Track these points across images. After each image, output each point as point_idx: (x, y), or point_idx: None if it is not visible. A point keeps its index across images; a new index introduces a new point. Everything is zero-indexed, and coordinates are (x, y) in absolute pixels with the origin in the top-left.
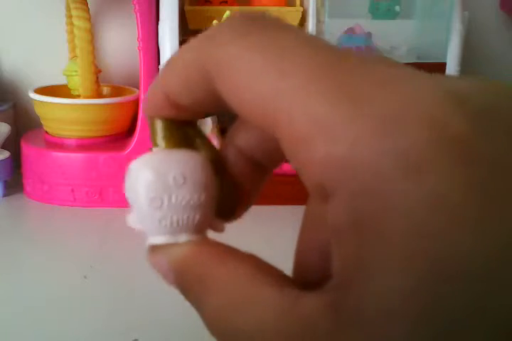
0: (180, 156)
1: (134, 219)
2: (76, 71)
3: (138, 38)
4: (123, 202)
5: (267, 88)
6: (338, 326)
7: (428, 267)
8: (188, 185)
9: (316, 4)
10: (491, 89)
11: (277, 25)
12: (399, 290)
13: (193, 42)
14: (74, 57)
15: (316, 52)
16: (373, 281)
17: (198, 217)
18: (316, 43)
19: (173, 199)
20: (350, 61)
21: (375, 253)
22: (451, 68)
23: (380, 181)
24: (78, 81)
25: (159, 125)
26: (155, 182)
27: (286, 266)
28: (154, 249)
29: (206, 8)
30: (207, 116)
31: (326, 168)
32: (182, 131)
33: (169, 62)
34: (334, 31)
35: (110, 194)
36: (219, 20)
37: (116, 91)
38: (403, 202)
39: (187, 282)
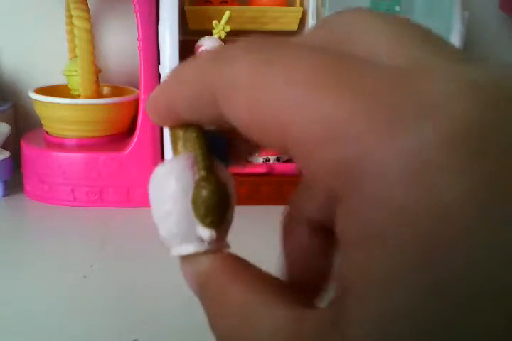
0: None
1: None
2: (76, 71)
3: (138, 38)
4: (123, 202)
5: (273, 101)
6: None
7: (436, 281)
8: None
9: (316, 4)
10: None
11: (281, 42)
12: (406, 306)
13: (201, 60)
14: (74, 57)
15: (318, 59)
16: (380, 296)
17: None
18: (318, 51)
19: None
20: (355, 61)
21: (383, 267)
22: None
23: (389, 188)
24: (78, 81)
25: (180, 133)
26: (180, 192)
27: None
28: (186, 258)
29: (206, 8)
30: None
31: (336, 172)
32: (201, 138)
33: (175, 75)
34: None
35: (110, 194)
36: (219, 21)
37: (116, 91)
38: (412, 213)
39: (205, 295)
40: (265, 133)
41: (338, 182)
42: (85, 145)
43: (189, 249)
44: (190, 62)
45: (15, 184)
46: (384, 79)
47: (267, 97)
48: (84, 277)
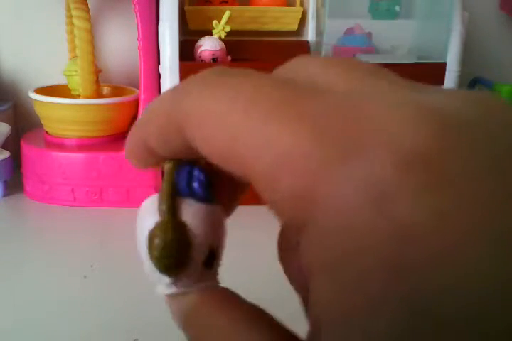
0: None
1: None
2: (76, 71)
3: (138, 38)
4: (123, 202)
5: (231, 132)
6: None
7: (406, 308)
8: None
9: (316, 4)
10: (475, 104)
11: (242, 72)
12: (379, 337)
13: (167, 93)
14: (74, 57)
15: (275, 90)
16: (349, 333)
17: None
18: (277, 82)
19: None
20: (309, 92)
21: (350, 300)
22: (451, 68)
23: (348, 216)
24: (78, 81)
25: (165, 167)
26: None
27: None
28: (172, 295)
29: (206, 8)
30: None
31: (295, 203)
32: (170, 174)
33: (146, 111)
34: (334, 31)
35: (110, 194)
36: (219, 21)
37: (116, 91)
38: (374, 239)
39: (191, 332)
40: (227, 165)
41: (296, 213)
42: (85, 145)
43: (164, 290)
44: (158, 97)
45: (15, 184)
46: (338, 109)
47: (225, 130)
48: (85, 277)
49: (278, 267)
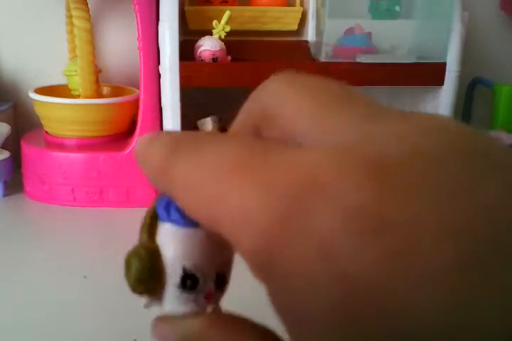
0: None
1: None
2: (76, 71)
3: (138, 38)
4: (123, 202)
5: (204, 198)
6: None
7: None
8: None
9: (316, 4)
10: (432, 134)
11: (207, 138)
12: None
13: (157, 149)
14: (74, 57)
15: (236, 157)
16: None
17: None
18: (241, 147)
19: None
20: (269, 153)
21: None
22: (451, 68)
23: (299, 267)
24: (78, 81)
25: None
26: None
27: None
28: (164, 319)
29: (206, 8)
30: None
31: (253, 263)
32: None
33: (139, 161)
34: (334, 31)
35: (110, 194)
36: (219, 21)
37: (116, 91)
38: (327, 299)
39: None
40: (203, 221)
41: (257, 270)
42: (85, 145)
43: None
44: (147, 147)
45: (15, 184)
46: (288, 169)
47: (197, 196)
48: (84, 277)
49: None
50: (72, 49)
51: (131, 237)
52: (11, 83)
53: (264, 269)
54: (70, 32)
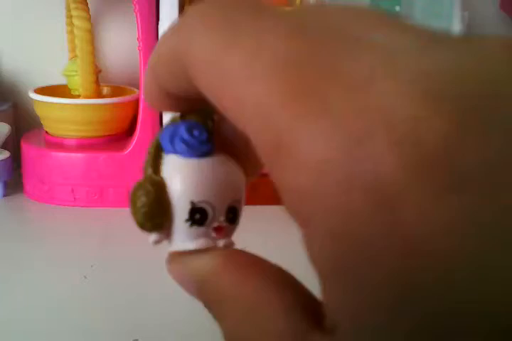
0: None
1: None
2: (76, 71)
3: (138, 38)
4: (123, 202)
5: (238, 96)
6: None
7: (415, 322)
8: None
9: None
10: (486, 68)
11: (249, 11)
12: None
13: (173, 28)
14: (74, 57)
15: (281, 44)
16: (364, 331)
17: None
18: (289, 29)
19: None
20: (322, 55)
21: (361, 304)
22: None
23: (353, 221)
24: (78, 81)
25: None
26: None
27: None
28: (176, 257)
29: None
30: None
31: (299, 198)
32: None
33: (155, 52)
34: None
35: (110, 194)
36: None
37: (116, 91)
38: (378, 249)
39: (208, 297)
40: (236, 121)
41: (303, 207)
42: (85, 145)
43: (185, 246)
44: (167, 32)
45: (15, 184)
46: (348, 90)
47: (226, 91)
48: (85, 277)
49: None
50: (72, 49)
51: (131, 237)
52: (11, 83)
53: (309, 210)
54: (70, 32)
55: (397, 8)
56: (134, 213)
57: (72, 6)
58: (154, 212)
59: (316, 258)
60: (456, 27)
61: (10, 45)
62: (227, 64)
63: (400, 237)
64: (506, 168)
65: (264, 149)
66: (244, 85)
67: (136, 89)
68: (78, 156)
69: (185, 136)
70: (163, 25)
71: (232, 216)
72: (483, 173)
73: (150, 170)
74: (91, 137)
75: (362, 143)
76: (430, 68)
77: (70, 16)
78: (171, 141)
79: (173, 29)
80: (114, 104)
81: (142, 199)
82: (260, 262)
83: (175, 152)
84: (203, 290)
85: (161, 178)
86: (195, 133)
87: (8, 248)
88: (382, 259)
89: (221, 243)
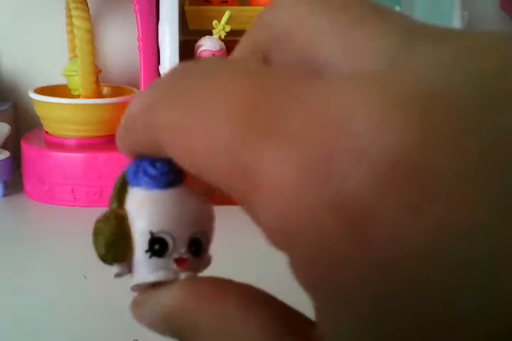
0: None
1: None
2: (76, 71)
3: (138, 38)
4: None
5: (203, 148)
6: None
7: (400, 330)
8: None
9: None
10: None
11: (204, 71)
12: None
13: (135, 105)
14: (74, 57)
15: (240, 96)
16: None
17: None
18: (244, 81)
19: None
20: (280, 88)
21: (342, 320)
22: None
23: (327, 245)
24: (78, 81)
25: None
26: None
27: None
28: (139, 300)
29: (206, 8)
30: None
31: (275, 235)
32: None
33: (121, 126)
34: None
35: (110, 194)
36: (219, 21)
37: (116, 91)
38: (353, 271)
39: (182, 331)
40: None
41: (277, 235)
42: (85, 145)
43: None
44: (128, 111)
45: (15, 184)
46: (306, 113)
47: (191, 146)
48: (85, 277)
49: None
50: (72, 49)
51: None
52: (11, 83)
53: (284, 238)
54: (70, 32)
55: (397, 8)
56: (96, 246)
57: (72, 6)
58: (115, 245)
59: (299, 278)
60: (456, 27)
61: (10, 45)
62: (188, 125)
63: (370, 262)
64: (480, 177)
65: (235, 193)
66: (205, 138)
67: (136, 89)
68: (78, 156)
69: (149, 168)
70: (163, 25)
71: (196, 248)
72: (456, 185)
73: (115, 204)
74: (91, 137)
75: (326, 161)
76: (392, 72)
77: (69, 16)
78: (135, 175)
79: (137, 106)
80: (114, 104)
81: (103, 233)
82: (228, 284)
83: (139, 185)
84: (175, 325)
85: (125, 211)
86: (158, 165)
87: (8, 248)
88: (358, 281)
89: (183, 276)
